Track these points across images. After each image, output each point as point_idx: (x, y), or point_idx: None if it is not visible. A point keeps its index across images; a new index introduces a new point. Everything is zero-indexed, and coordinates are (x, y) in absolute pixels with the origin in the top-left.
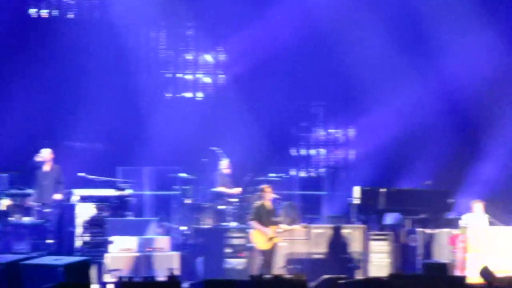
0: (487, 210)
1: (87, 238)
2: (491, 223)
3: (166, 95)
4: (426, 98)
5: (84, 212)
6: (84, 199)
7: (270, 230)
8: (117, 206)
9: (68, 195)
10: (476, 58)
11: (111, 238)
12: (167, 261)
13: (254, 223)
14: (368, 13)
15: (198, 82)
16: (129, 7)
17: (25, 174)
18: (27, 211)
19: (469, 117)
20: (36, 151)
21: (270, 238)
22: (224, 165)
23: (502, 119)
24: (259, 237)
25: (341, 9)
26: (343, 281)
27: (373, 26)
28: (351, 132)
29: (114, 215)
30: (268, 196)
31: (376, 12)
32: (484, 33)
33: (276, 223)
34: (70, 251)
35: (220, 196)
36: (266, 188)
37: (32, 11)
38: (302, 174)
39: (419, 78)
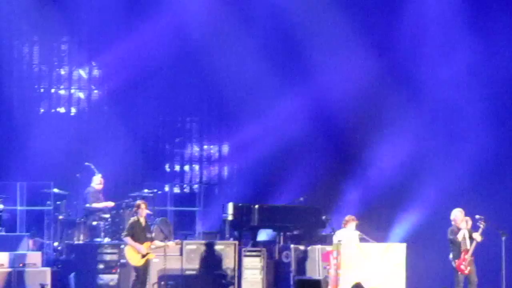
0: (358, 226)
1: None
2: (362, 240)
3: (40, 110)
4: (300, 114)
5: None
6: None
7: (143, 247)
8: None
9: None
10: (349, 74)
11: None
12: (39, 276)
13: (128, 239)
14: (242, 29)
15: (72, 97)
16: (1, 20)
17: None
18: None
19: (342, 134)
20: None
21: (144, 255)
22: (97, 180)
23: (375, 137)
24: (132, 253)
25: (215, 26)
26: None
27: (247, 42)
28: (225, 148)
29: None
30: (142, 212)
31: (250, 27)
32: (356, 48)
33: (150, 239)
34: None
35: (93, 211)
36: (141, 204)
37: None
38: (176, 190)
39: (292, 95)
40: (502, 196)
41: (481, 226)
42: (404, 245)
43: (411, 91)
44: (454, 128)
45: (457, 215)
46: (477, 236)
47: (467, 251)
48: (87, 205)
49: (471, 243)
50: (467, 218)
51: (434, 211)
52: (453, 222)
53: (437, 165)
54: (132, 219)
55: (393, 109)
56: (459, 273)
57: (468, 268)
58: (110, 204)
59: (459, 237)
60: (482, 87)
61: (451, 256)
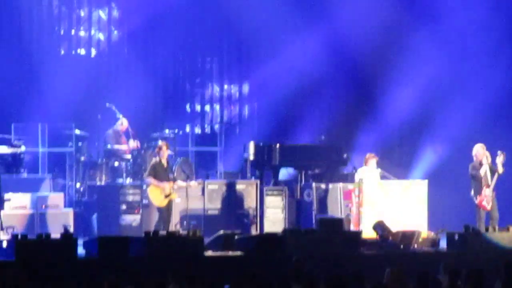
0: (380, 164)
1: None
2: (383, 177)
3: (61, 51)
4: (318, 51)
5: None
6: None
7: (167, 186)
8: (11, 163)
9: None
10: (368, 10)
11: (6, 196)
12: (62, 218)
13: (151, 179)
14: None
15: (92, 38)
16: None
17: None
18: None
19: (362, 71)
20: None
21: (167, 195)
22: (121, 122)
23: (394, 73)
24: (155, 193)
25: None
26: (238, 236)
27: None
28: (245, 87)
29: (7, 172)
30: (164, 153)
31: None
32: None
33: (172, 180)
34: None
35: (115, 153)
36: (163, 144)
37: None
38: (197, 130)
39: (311, 32)
40: None
41: (501, 158)
42: (425, 181)
43: (430, 27)
44: (473, 63)
45: (479, 150)
46: (500, 168)
47: (488, 186)
48: (109, 146)
49: (492, 178)
50: (487, 153)
51: (454, 147)
52: (474, 158)
53: (455, 101)
54: (154, 159)
55: (412, 45)
56: (481, 209)
57: (490, 204)
58: (135, 143)
59: (482, 172)
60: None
61: (472, 192)
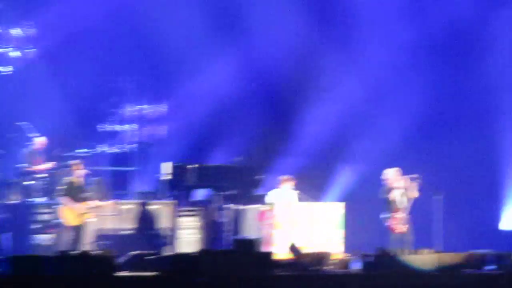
0: (297, 186)
1: None
2: (301, 199)
3: None
4: (237, 74)
5: None
6: None
7: (80, 206)
8: None
9: None
10: (286, 34)
11: None
12: None
13: (64, 199)
14: None
15: (7, 56)
16: None
17: None
18: None
19: (278, 94)
20: None
21: (80, 214)
22: (38, 141)
23: (312, 94)
24: (68, 213)
25: None
26: (151, 257)
27: (183, 1)
28: (162, 107)
29: None
30: (78, 172)
31: None
32: (293, 6)
33: (86, 199)
34: None
35: (28, 172)
36: (77, 163)
37: None
38: (113, 149)
39: (228, 54)
40: (436, 155)
41: (416, 182)
42: (342, 204)
43: (348, 49)
44: (390, 88)
45: (391, 174)
46: (415, 192)
47: (398, 209)
48: (24, 165)
49: (406, 201)
50: (404, 177)
51: (370, 170)
52: (385, 182)
53: (372, 125)
54: (66, 179)
55: (329, 68)
56: (394, 232)
57: (401, 227)
58: (49, 164)
59: (392, 196)
60: (416, 48)
61: (384, 215)
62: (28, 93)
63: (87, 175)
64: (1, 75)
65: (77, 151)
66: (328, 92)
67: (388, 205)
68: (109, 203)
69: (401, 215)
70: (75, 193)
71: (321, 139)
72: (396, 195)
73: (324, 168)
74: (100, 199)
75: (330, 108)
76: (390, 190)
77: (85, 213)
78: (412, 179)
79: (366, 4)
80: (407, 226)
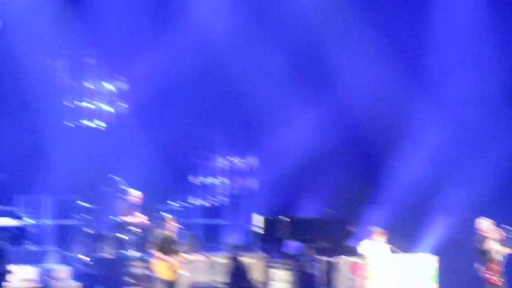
0: (387, 238)
1: None
2: (391, 251)
3: (66, 123)
4: (326, 124)
5: None
6: None
7: (173, 260)
8: (17, 235)
9: None
10: (375, 84)
11: (10, 268)
12: None
13: (157, 253)
14: (266, 40)
15: (99, 110)
16: (28, 35)
17: None
18: None
19: (368, 144)
20: None
21: (173, 268)
22: (134, 195)
23: (401, 147)
24: (162, 267)
25: (238, 36)
26: None
27: (271, 54)
28: (252, 160)
29: (14, 244)
30: (171, 226)
31: (274, 38)
32: (381, 57)
33: (178, 253)
34: None
35: (122, 225)
36: (169, 217)
37: None
38: (204, 203)
39: (318, 104)
40: None
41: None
42: (434, 257)
43: (436, 98)
44: (481, 135)
45: (484, 225)
46: (506, 249)
47: (494, 261)
48: (118, 218)
49: (501, 252)
50: (497, 228)
51: (463, 220)
52: (479, 232)
53: (464, 174)
54: (159, 232)
55: (418, 118)
56: (489, 284)
57: (496, 279)
58: (143, 218)
59: (487, 246)
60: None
61: (479, 266)
62: (120, 147)
63: (179, 229)
64: (95, 130)
65: (169, 203)
66: (418, 142)
67: (483, 256)
68: (201, 256)
69: (496, 267)
70: (168, 247)
71: (412, 189)
72: (491, 246)
73: (416, 218)
74: (193, 253)
75: (421, 158)
76: (484, 239)
77: (178, 266)
78: (507, 232)
79: (451, 50)
80: (502, 280)
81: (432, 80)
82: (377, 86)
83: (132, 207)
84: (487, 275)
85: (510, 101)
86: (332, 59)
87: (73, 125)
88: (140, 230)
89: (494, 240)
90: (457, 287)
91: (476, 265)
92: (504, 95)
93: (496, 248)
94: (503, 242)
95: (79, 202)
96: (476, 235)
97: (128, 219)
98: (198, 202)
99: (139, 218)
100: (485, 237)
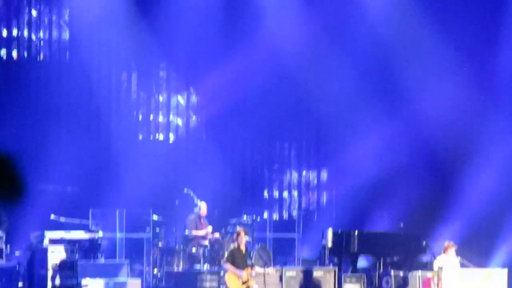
0: (459, 252)
1: (58, 281)
2: (462, 265)
3: (139, 136)
4: (398, 139)
5: (56, 254)
6: (55, 241)
7: (244, 273)
8: (89, 248)
9: (40, 238)
10: (447, 98)
11: (83, 281)
12: None
13: (228, 266)
14: (339, 54)
15: (171, 123)
16: (99, 48)
17: None
18: None
19: (440, 160)
20: None
21: (244, 282)
22: (202, 207)
23: (473, 161)
24: (233, 280)
25: (311, 50)
26: None
27: (344, 67)
28: (324, 174)
29: (85, 258)
30: (242, 239)
31: (347, 52)
32: (455, 72)
33: (250, 266)
34: None
35: (193, 239)
36: (241, 230)
37: (2, 52)
38: (275, 216)
39: (390, 118)
40: None
41: None
42: (505, 270)
43: (509, 109)
44: None
45: None
46: None
47: None
48: (187, 232)
49: None
50: None
51: None
52: None
53: None
54: (232, 246)
55: (492, 130)
56: None
57: None
58: (209, 228)
59: None
60: None
61: None
62: (192, 160)
63: (249, 242)
64: (165, 143)
65: (241, 217)
66: (491, 153)
67: None
68: (272, 269)
69: None
70: (239, 260)
71: (484, 204)
72: None
73: (489, 232)
74: (264, 266)
75: (493, 173)
76: None
77: (249, 280)
78: None
79: None
80: None
81: (505, 91)
82: (450, 99)
83: (200, 220)
84: None
85: None
86: (405, 72)
87: (145, 138)
88: (208, 243)
89: None
90: None
91: None
92: None
93: None
94: None
95: (151, 215)
96: None
97: (198, 232)
98: (269, 215)
99: (208, 231)
100: None
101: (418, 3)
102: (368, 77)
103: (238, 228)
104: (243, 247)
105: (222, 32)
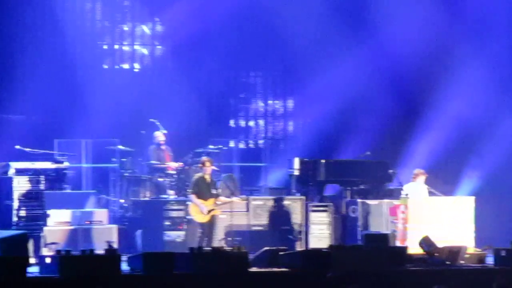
0: (427, 180)
1: (24, 211)
2: (430, 194)
3: (104, 66)
4: (365, 68)
5: (21, 185)
6: (20, 172)
7: (206, 206)
8: (55, 179)
9: (5, 168)
10: (415, 27)
11: (48, 212)
12: (106, 234)
13: (192, 197)
14: None
15: (136, 53)
16: None
17: None
18: None
19: (409, 87)
20: None
21: (209, 211)
22: (158, 136)
23: (442, 89)
24: (197, 209)
25: None
26: (283, 252)
27: None
28: (290, 102)
29: (51, 188)
30: (208, 169)
31: None
32: (424, 2)
33: (215, 196)
34: (7, 225)
35: (159, 168)
36: (206, 160)
37: None
38: (242, 145)
39: (358, 48)
40: None
41: None
42: (472, 198)
43: (479, 41)
44: None
45: None
46: None
47: None
48: (153, 162)
49: None
50: None
51: (503, 163)
52: None
53: (504, 118)
54: (197, 175)
55: (460, 60)
56: None
57: None
58: (176, 164)
59: None
60: None
61: None
62: (158, 90)
63: (216, 172)
64: (132, 72)
65: (207, 147)
66: (460, 84)
67: None
68: (239, 199)
69: None
70: (205, 190)
71: (452, 132)
72: None
73: (455, 161)
74: (230, 195)
75: (461, 101)
76: None
77: (215, 209)
78: None
79: None
80: None
81: (473, 12)
82: (419, 26)
83: (162, 149)
84: None
85: None
86: (373, 2)
87: (110, 68)
88: (174, 172)
89: None
90: (495, 228)
91: None
92: None
93: None
94: None
95: (118, 146)
96: None
97: (163, 161)
98: (236, 144)
99: (172, 165)
100: None
101: None
102: (335, 5)
103: (203, 158)
104: (208, 176)
105: None
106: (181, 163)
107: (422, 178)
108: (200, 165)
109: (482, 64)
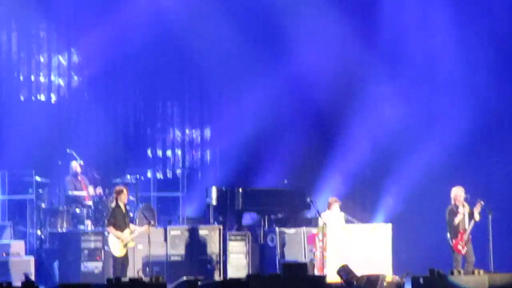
0: (343, 208)
1: None
2: (347, 221)
3: (20, 97)
4: (280, 96)
5: None
6: None
7: (125, 236)
8: None
9: None
10: (328, 53)
11: None
12: (23, 265)
13: (110, 229)
14: (219, 10)
15: (52, 84)
16: None
17: None
18: None
19: (323, 114)
20: None
21: (125, 242)
22: (75, 167)
23: (357, 117)
24: (114, 242)
25: (193, 9)
26: (201, 282)
27: (225, 24)
28: (207, 132)
29: None
30: (124, 199)
31: (227, 9)
32: (337, 28)
33: (129, 226)
34: None
35: (76, 199)
36: (123, 189)
37: None
38: (159, 175)
39: (272, 76)
40: (485, 172)
41: (479, 207)
42: (389, 225)
43: (392, 69)
44: (435, 104)
45: (458, 193)
46: (476, 216)
47: (464, 230)
48: (70, 192)
49: (469, 222)
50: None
51: (418, 189)
52: (453, 201)
53: (419, 143)
54: (112, 206)
55: (374, 89)
56: (456, 253)
57: (465, 248)
58: (92, 191)
59: (458, 219)
60: (464, 57)
61: (448, 235)
62: (74, 120)
63: (131, 201)
64: (47, 103)
65: (124, 177)
66: (374, 112)
67: (453, 225)
68: (147, 228)
69: (465, 236)
70: (121, 220)
71: (367, 160)
72: (461, 216)
73: (371, 187)
74: (147, 225)
75: (377, 129)
76: (456, 210)
77: (131, 241)
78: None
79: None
80: (468, 246)
81: (385, 37)
82: (332, 57)
83: (78, 179)
84: (457, 245)
85: (465, 69)
86: (285, 27)
87: (26, 99)
88: (91, 203)
89: (465, 209)
90: (412, 254)
91: (447, 235)
92: (460, 65)
93: (465, 218)
94: (470, 210)
95: (34, 177)
96: (447, 205)
97: (79, 193)
98: (152, 174)
99: (90, 191)
100: (457, 207)
101: None
102: (250, 33)
103: (119, 187)
104: (123, 206)
105: None
106: (100, 190)
107: (336, 206)
108: (115, 194)
109: (395, 89)
